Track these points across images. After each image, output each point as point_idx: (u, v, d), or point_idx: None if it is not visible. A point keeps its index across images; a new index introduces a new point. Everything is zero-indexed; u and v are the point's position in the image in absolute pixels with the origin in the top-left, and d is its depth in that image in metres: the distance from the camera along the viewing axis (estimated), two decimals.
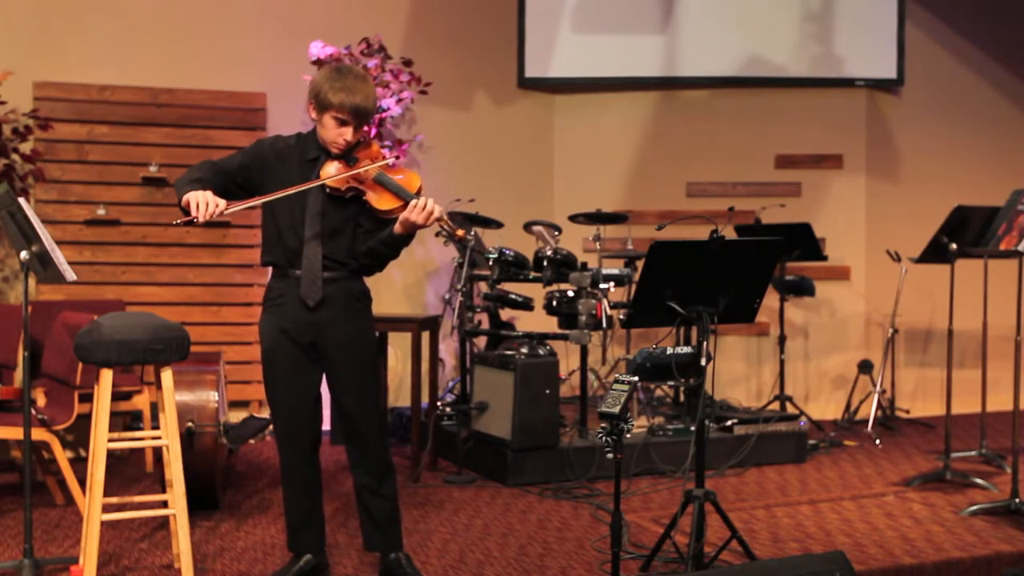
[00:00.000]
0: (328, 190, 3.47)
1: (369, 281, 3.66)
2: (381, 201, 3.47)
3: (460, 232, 3.55)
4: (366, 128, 3.58)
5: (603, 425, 3.30)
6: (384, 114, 6.18)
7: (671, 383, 5.89)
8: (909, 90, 7.31)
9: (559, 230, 5.94)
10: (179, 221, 3.34)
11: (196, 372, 4.51)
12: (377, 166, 3.49)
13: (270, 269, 3.65)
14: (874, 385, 6.68)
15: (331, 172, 3.47)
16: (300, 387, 3.55)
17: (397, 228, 3.44)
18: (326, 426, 5.61)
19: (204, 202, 3.29)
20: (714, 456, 5.34)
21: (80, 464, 5.08)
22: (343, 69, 3.52)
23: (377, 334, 4.89)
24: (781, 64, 7.18)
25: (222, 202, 3.32)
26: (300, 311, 3.50)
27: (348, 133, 3.46)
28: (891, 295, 6.77)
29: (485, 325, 6.30)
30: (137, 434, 3.93)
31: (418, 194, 3.46)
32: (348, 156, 3.51)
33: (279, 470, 3.72)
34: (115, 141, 6.10)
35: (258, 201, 3.43)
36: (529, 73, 7.17)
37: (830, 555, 3.18)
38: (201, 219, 3.30)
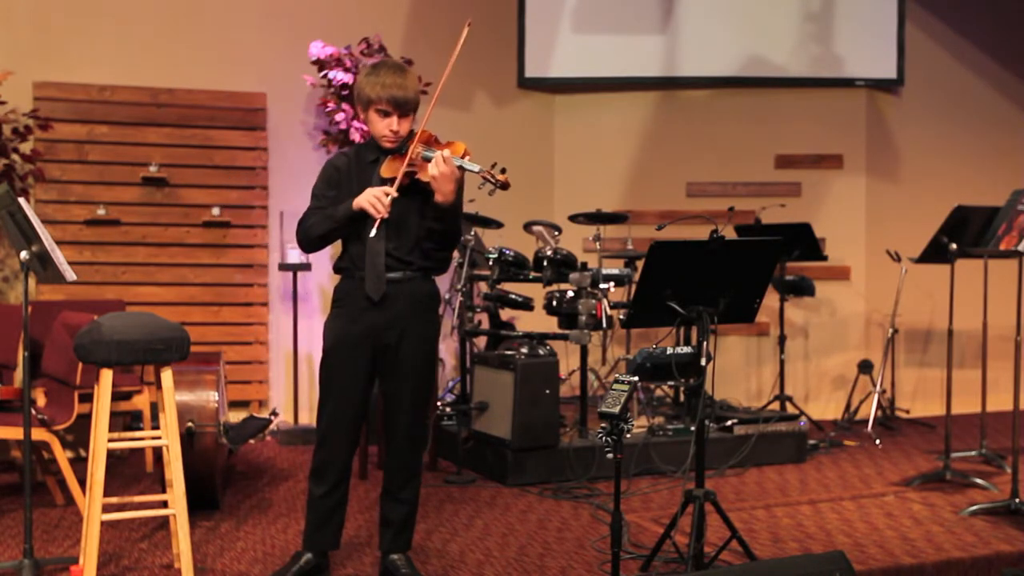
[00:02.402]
0: (388, 183, 3.48)
1: None
2: (426, 172, 3.48)
3: (502, 176, 3.45)
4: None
5: (603, 425, 3.30)
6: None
7: (671, 383, 5.89)
8: (909, 90, 7.31)
9: (559, 230, 5.94)
10: (375, 230, 3.38)
11: (196, 372, 4.51)
12: (418, 139, 3.49)
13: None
14: (874, 385, 6.68)
15: (387, 168, 3.51)
16: (352, 389, 3.56)
17: (436, 196, 3.41)
18: None
19: (376, 198, 3.37)
20: (714, 456, 5.34)
21: (80, 464, 5.08)
22: (379, 64, 3.60)
23: None
24: (781, 64, 7.18)
25: (389, 188, 3.39)
26: (364, 313, 3.51)
27: (393, 123, 3.49)
28: (891, 295, 6.77)
29: (485, 325, 6.30)
30: (137, 434, 3.93)
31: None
32: (402, 149, 3.53)
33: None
34: (115, 141, 6.10)
35: (403, 175, 3.42)
36: (529, 73, 7.17)
37: (830, 555, 3.18)
38: (386, 213, 3.36)
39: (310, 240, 3.55)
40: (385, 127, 3.50)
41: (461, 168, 3.44)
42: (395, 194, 3.38)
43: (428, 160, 3.47)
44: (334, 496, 3.62)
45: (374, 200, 3.36)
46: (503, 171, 3.47)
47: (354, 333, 3.53)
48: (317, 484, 3.62)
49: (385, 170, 3.51)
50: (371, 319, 3.51)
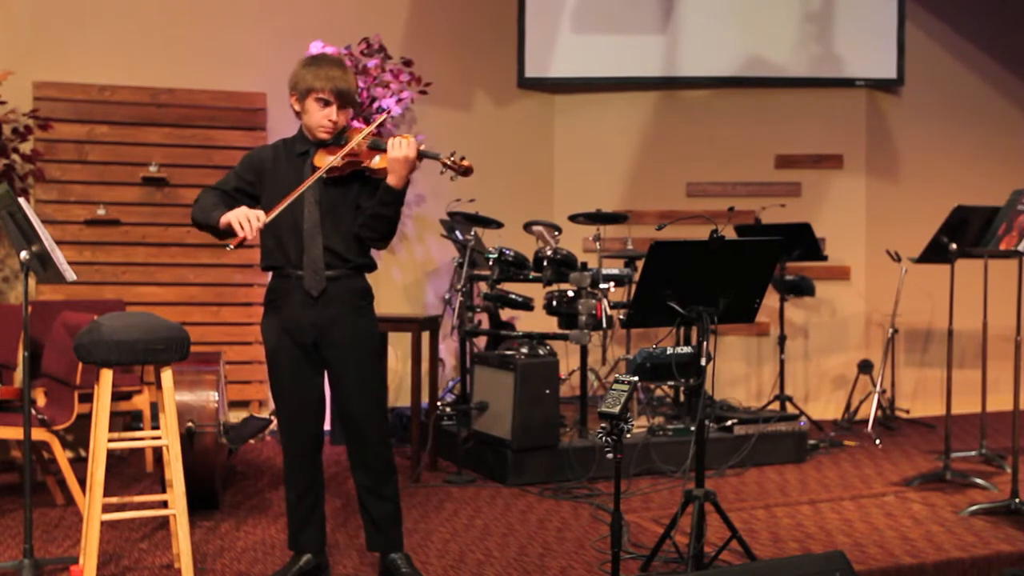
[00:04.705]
0: (326, 175, 3.47)
1: (370, 279, 3.65)
2: (376, 160, 3.47)
3: (466, 163, 3.46)
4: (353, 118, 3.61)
5: (603, 425, 3.30)
6: (384, 114, 6.17)
7: (671, 383, 5.89)
8: (909, 90, 7.31)
9: (559, 230, 5.94)
10: (232, 245, 3.35)
11: (196, 372, 4.51)
12: (368, 131, 3.50)
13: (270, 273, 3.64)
14: (874, 385, 6.68)
15: (325, 160, 3.49)
16: (303, 388, 3.56)
17: (389, 179, 3.41)
18: (327, 426, 5.61)
19: (246, 218, 3.35)
20: (714, 456, 5.34)
21: (80, 464, 5.08)
22: (318, 57, 3.62)
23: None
24: (781, 64, 7.18)
25: (261, 213, 3.38)
26: (301, 310, 3.50)
27: (332, 113, 3.49)
28: (891, 295, 6.77)
29: (485, 325, 6.30)
30: (137, 434, 3.93)
31: None
32: (338, 140, 3.53)
33: (281, 469, 3.72)
34: (115, 141, 6.10)
35: (285, 203, 3.40)
36: (529, 73, 7.17)
37: (830, 555, 3.18)
38: (250, 236, 3.34)
39: (195, 220, 3.53)
40: (324, 117, 3.49)
41: (422, 154, 3.43)
42: (267, 220, 3.36)
43: (377, 149, 3.47)
44: (308, 498, 3.63)
45: (244, 219, 3.33)
46: (463, 158, 3.46)
47: (296, 333, 3.51)
48: (290, 489, 3.63)
49: (320, 160, 3.49)
50: (311, 317, 3.50)
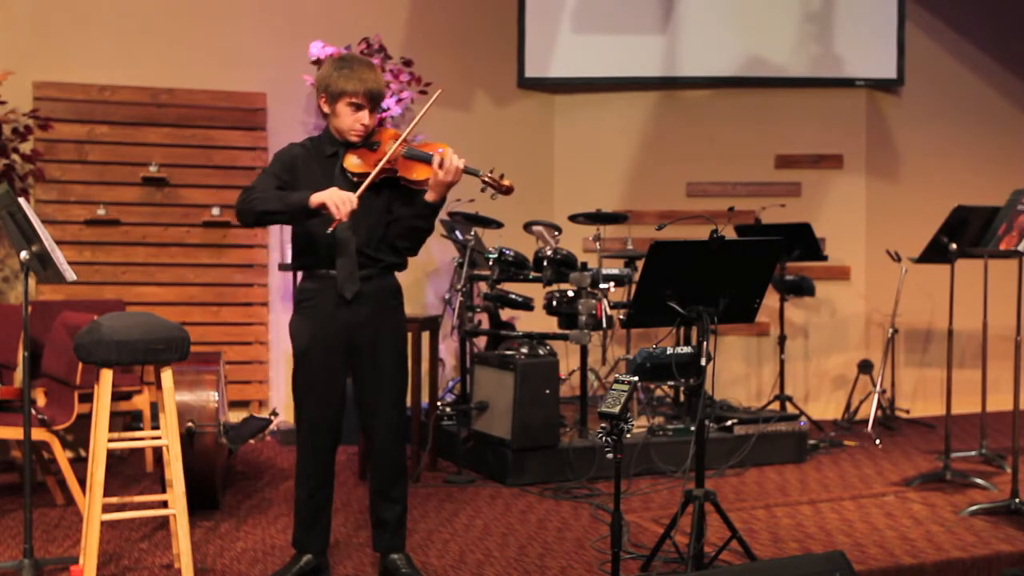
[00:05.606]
0: (355, 177, 3.48)
1: None
2: (416, 172, 3.47)
3: (507, 182, 3.50)
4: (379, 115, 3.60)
5: (603, 425, 3.30)
6: (384, 114, 6.18)
7: (671, 383, 5.89)
8: (909, 90, 7.31)
9: (559, 230, 5.94)
10: (332, 228, 3.35)
11: (196, 372, 4.51)
12: (402, 140, 3.50)
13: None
14: (874, 385, 6.68)
15: (354, 163, 3.49)
16: (329, 390, 3.56)
17: (428, 195, 3.44)
18: None
19: (341, 200, 3.33)
20: (714, 456, 5.34)
21: (80, 464, 5.08)
22: (347, 57, 3.61)
23: None
24: (781, 64, 7.18)
25: (353, 196, 3.35)
26: (334, 311, 3.50)
27: (365, 117, 3.49)
28: (891, 295, 6.77)
29: (485, 325, 6.30)
30: (137, 434, 3.93)
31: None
32: (368, 143, 3.52)
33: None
34: (115, 141, 6.10)
35: (362, 190, 3.38)
36: (529, 73, 7.17)
37: (830, 555, 3.18)
38: (345, 219, 3.33)
39: (252, 212, 3.43)
40: (356, 120, 3.49)
41: (465, 172, 3.45)
42: (356, 204, 3.36)
43: (415, 159, 3.47)
44: (318, 497, 3.62)
45: (340, 201, 3.32)
46: (502, 175, 3.51)
47: (328, 333, 3.52)
48: (301, 488, 3.62)
49: (352, 164, 3.49)
50: (344, 318, 3.50)
